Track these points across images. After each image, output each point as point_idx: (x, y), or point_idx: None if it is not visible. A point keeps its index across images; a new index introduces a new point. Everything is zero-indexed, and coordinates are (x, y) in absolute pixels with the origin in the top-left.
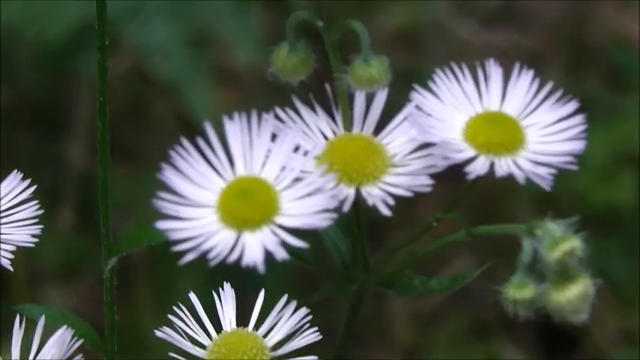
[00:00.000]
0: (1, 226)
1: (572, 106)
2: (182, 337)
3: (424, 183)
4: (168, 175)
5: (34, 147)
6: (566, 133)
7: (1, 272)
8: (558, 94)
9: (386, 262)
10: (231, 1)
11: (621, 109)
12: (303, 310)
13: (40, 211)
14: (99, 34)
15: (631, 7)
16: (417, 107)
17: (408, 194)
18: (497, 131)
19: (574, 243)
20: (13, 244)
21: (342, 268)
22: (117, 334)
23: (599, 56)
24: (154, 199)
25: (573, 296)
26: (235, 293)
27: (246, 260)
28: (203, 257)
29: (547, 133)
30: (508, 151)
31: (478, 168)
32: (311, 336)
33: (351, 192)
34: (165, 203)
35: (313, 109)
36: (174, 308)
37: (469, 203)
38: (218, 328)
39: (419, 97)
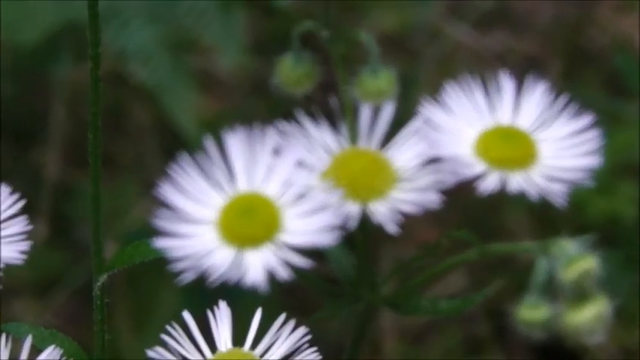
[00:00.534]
0: None
1: (587, 119)
2: (175, 357)
3: (432, 199)
4: (166, 191)
5: (6, 157)
6: (581, 148)
7: None
8: (573, 106)
9: (389, 280)
10: (214, 4)
11: (621, 116)
12: (302, 329)
13: (30, 227)
14: (91, 42)
15: (631, 10)
16: (426, 120)
17: (416, 210)
18: (510, 146)
19: (590, 263)
20: (3, 262)
21: (348, 287)
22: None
23: (598, 61)
24: (136, 212)
25: (589, 317)
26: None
27: (248, 280)
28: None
29: (561, 148)
30: (520, 167)
31: (489, 184)
32: (311, 356)
33: (357, 208)
34: (163, 220)
35: (317, 122)
36: (167, 327)
37: (462, 216)
38: (211, 347)
39: (427, 110)
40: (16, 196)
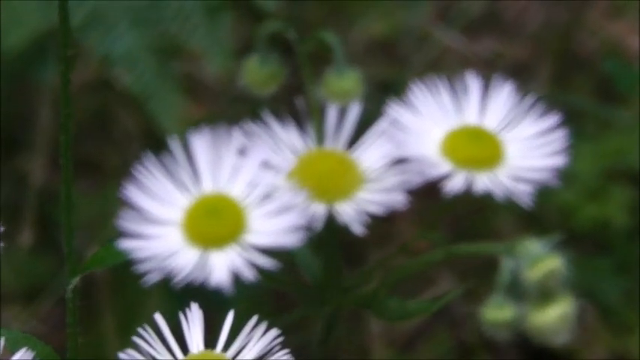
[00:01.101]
0: None
1: (555, 119)
2: (147, 359)
3: (398, 199)
4: (131, 192)
5: None
6: (548, 148)
7: None
8: (540, 106)
9: (363, 282)
10: (201, 9)
11: (612, 121)
12: (274, 331)
13: (1, 228)
14: (61, 43)
15: (621, 14)
16: (392, 121)
17: (382, 211)
18: (476, 146)
19: (555, 262)
20: None
21: (315, 289)
22: (80, 356)
23: (588, 66)
24: (116, 218)
25: (554, 318)
26: (205, 314)
27: (213, 281)
28: (169, 278)
29: (527, 148)
30: (487, 167)
31: (455, 184)
32: (283, 358)
33: (323, 209)
34: (127, 221)
35: (284, 122)
36: (139, 330)
37: (451, 220)
38: (185, 350)
39: (393, 110)
40: None
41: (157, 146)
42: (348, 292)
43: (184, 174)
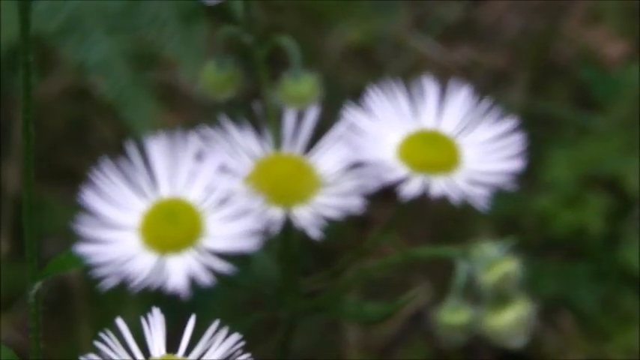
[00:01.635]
0: None
1: (510, 123)
2: None
3: (355, 203)
4: (89, 197)
5: None
6: (504, 152)
7: None
8: (496, 110)
9: (323, 286)
10: (177, 16)
11: (589, 128)
12: (236, 336)
13: None
14: (23, 49)
15: (598, 22)
16: (349, 125)
17: (339, 215)
18: (433, 150)
19: (510, 266)
20: None
21: (273, 293)
22: None
23: (565, 73)
24: (73, 223)
25: (509, 321)
26: (181, 320)
27: (170, 284)
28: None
29: (484, 152)
30: (443, 171)
31: (412, 188)
32: None
33: (280, 213)
34: (85, 226)
35: (241, 127)
36: (100, 335)
37: (430, 227)
38: (146, 355)
39: (350, 114)
40: None
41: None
42: (307, 296)
43: (141, 179)
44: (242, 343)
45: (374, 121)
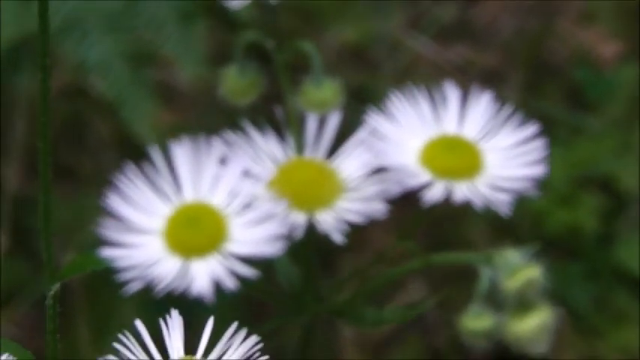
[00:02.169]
0: None
1: (532, 128)
2: None
3: (378, 209)
4: (112, 201)
5: None
6: (526, 157)
7: None
8: (518, 116)
9: (338, 290)
10: (175, 16)
11: (582, 128)
12: (254, 338)
13: None
14: (40, 51)
15: (591, 22)
16: (371, 130)
17: (362, 220)
18: (455, 155)
19: (533, 272)
20: None
21: (293, 299)
22: None
23: (559, 73)
24: (96, 226)
25: (532, 327)
26: (185, 320)
27: (194, 290)
28: (150, 287)
29: (506, 157)
30: (466, 176)
31: (434, 194)
32: None
33: (302, 218)
34: (108, 229)
35: (264, 132)
36: (119, 336)
37: (424, 226)
38: (165, 357)
39: (373, 120)
40: None
41: (131, 153)
42: (324, 300)
43: (165, 183)
44: (260, 345)
45: (396, 127)
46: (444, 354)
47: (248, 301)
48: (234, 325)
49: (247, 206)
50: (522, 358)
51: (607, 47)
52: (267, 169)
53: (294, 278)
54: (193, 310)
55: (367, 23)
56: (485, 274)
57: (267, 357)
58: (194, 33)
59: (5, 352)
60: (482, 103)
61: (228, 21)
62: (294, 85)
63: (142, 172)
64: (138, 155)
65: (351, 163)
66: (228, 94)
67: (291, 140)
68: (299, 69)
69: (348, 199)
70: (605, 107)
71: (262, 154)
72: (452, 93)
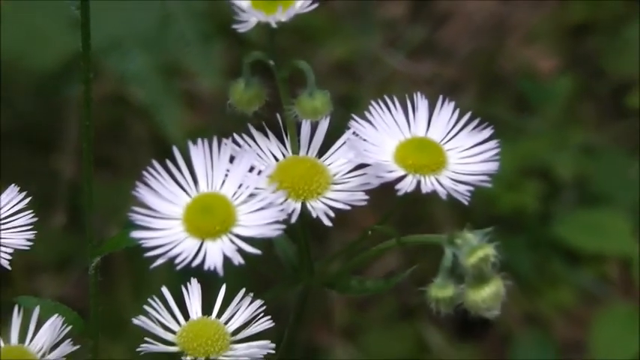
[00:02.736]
0: (1, 232)
1: (487, 132)
2: (156, 324)
3: (360, 198)
4: (142, 192)
5: (31, 161)
6: (482, 156)
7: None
8: (475, 122)
9: (328, 264)
10: (197, 37)
11: (526, 129)
12: (258, 302)
13: (35, 219)
14: (84, 68)
15: (534, 42)
16: (354, 133)
17: (347, 208)
18: (423, 154)
19: (488, 251)
20: (12, 247)
21: (290, 272)
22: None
23: (507, 84)
24: (128, 213)
25: (487, 296)
26: (202, 288)
27: (208, 264)
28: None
29: (465, 156)
30: (432, 171)
31: (406, 185)
32: (265, 323)
33: (297, 206)
34: (138, 216)
35: (266, 135)
36: (149, 300)
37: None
38: (186, 317)
39: (356, 124)
40: (23, 195)
41: (163, 149)
42: (316, 273)
43: (185, 177)
44: (263, 308)
45: (375, 130)
46: (414, 310)
47: (253, 274)
48: (242, 292)
49: (252, 196)
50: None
51: (546, 62)
52: (268, 166)
53: (291, 255)
54: (209, 280)
55: (353, 43)
56: (448, 253)
57: (268, 317)
58: (212, 51)
59: (56, 313)
60: (446, 111)
61: (239, 41)
62: (292, 96)
63: (166, 168)
64: (168, 150)
65: (338, 161)
66: (237, 103)
67: (288, 142)
68: (296, 83)
69: (336, 190)
70: (544, 111)
71: (265, 153)
72: (421, 103)
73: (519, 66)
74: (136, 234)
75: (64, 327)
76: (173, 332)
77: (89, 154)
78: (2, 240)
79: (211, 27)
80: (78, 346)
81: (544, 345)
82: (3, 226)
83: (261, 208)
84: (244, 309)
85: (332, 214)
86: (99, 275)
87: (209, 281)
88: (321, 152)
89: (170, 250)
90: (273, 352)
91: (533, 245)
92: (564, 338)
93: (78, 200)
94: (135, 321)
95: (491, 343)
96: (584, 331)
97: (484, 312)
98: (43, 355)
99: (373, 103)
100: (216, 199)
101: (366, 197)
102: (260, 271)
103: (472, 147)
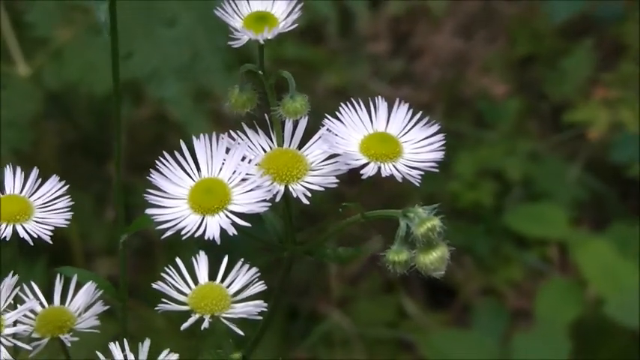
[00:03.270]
0: (45, 213)
1: (435, 128)
2: (171, 288)
3: (332, 181)
4: (154, 177)
5: (90, 168)
6: (431, 147)
7: (65, 249)
8: (425, 119)
9: (311, 237)
10: (221, 66)
11: (483, 140)
12: (254, 269)
13: (72, 202)
14: (115, 101)
15: (489, 72)
16: (328, 129)
17: (321, 189)
18: (383, 145)
19: (435, 222)
20: (53, 225)
21: (277, 242)
22: (141, 290)
23: (468, 105)
24: (144, 194)
25: (434, 259)
26: (214, 260)
27: (207, 235)
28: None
29: (417, 147)
30: (390, 159)
31: (369, 171)
32: (259, 287)
33: (281, 188)
34: (152, 197)
35: (256, 131)
36: (165, 269)
37: (378, 202)
38: (195, 282)
39: (329, 122)
40: (62, 183)
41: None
42: (300, 244)
43: (189, 165)
44: (258, 274)
45: (344, 126)
46: (395, 284)
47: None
48: (240, 261)
49: (244, 180)
50: (442, 285)
51: (499, 88)
52: (257, 156)
53: (278, 228)
54: (226, 252)
55: (345, 73)
56: (403, 224)
57: (262, 282)
58: (234, 78)
59: (90, 280)
60: (402, 111)
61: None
62: (277, 99)
63: (174, 158)
64: None
65: (315, 151)
66: (233, 105)
67: (274, 136)
68: (281, 88)
69: (312, 175)
70: (498, 126)
71: (255, 145)
72: (382, 104)
73: (478, 91)
74: (150, 211)
75: (97, 291)
76: (185, 294)
77: (119, 163)
78: (45, 219)
79: (232, 58)
80: (109, 306)
81: (498, 312)
82: (46, 208)
83: (251, 190)
84: (242, 275)
85: (309, 194)
86: (139, 253)
87: (220, 255)
88: (301, 145)
89: (177, 224)
90: (266, 310)
91: (489, 232)
92: (514, 307)
93: (126, 199)
94: (154, 285)
95: (455, 311)
96: (530, 301)
97: (432, 272)
98: (80, 315)
99: (342, 105)
100: (214, 182)
101: (337, 181)
102: (253, 241)
103: (423, 139)
